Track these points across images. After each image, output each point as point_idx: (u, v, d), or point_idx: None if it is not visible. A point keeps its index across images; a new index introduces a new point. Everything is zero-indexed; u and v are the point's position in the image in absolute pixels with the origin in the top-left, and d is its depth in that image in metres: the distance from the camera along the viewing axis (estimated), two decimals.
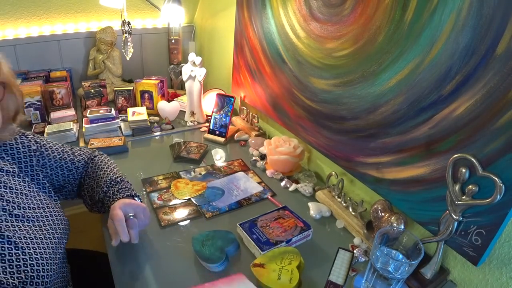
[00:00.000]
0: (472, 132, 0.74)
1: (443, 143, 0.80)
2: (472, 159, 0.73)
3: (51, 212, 0.86)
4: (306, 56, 1.20)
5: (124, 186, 1.00)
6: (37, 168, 0.92)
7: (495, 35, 0.67)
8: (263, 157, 1.41)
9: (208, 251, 0.89)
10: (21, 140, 0.90)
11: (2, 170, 0.81)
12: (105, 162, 1.07)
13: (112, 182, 1.00)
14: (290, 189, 1.23)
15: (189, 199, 1.14)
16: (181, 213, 1.07)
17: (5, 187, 0.79)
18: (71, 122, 1.56)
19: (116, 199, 0.96)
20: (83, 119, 1.57)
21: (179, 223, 1.04)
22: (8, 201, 0.77)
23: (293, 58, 1.26)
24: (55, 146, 1.00)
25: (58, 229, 0.85)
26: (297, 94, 1.27)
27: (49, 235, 0.81)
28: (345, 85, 1.05)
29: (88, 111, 1.59)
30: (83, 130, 1.52)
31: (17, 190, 0.82)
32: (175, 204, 1.11)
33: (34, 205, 0.83)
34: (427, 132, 0.84)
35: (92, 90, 1.80)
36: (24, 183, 0.85)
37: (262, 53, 1.45)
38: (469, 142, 0.75)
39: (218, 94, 1.59)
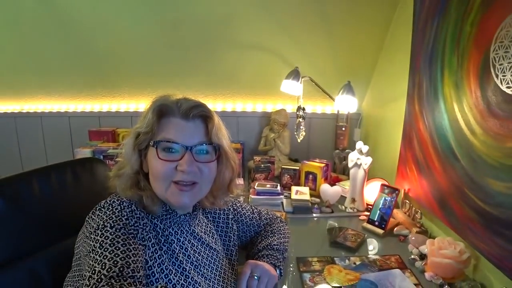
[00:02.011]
0: None
1: None
2: None
3: (226, 284, 0.97)
4: (482, 154, 1.11)
5: (274, 255, 1.07)
6: (231, 234, 1.07)
7: None
8: (422, 256, 1.30)
9: None
10: (223, 208, 1.07)
11: (203, 230, 0.97)
12: (280, 229, 1.18)
13: (269, 246, 1.09)
14: None
15: (341, 287, 1.12)
16: None
17: (196, 247, 0.93)
18: (239, 191, 1.76)
19: (260, 259, 1.03)
20: (250, 190, 1.75)
21: None
22: (201, 256, 0.92)
23: (467, 155, 1.19)
24: (247, 209, 1.16)
25: None
26: (469, 193, 1.17)
27: None
28: None
29: (256, 183, 1.78)
30: (249, 200, 1.69)
31: (208, 251, 0.96)
32: None
33: (214, 273, 0.94)
34: None
35: (262, 165, 2.02)
36: (214, 250, 0.98)
37: (432, 147, 1.40)
38: None
39: (382, 185, 1.58)
